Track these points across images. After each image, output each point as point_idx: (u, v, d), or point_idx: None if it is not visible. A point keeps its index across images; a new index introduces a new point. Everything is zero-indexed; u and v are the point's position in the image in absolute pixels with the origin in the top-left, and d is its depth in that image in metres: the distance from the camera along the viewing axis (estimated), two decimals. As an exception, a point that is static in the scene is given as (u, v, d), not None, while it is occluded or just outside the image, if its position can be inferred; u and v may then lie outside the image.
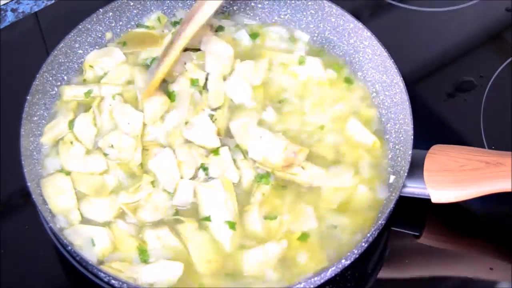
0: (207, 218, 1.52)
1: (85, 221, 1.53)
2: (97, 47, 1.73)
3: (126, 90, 1.67)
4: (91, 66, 1.70)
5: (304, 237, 1.52)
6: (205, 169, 1.58)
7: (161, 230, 1.51)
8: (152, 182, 1.56)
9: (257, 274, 1.48)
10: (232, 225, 1.51)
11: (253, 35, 1.78)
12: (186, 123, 1.62)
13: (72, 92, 1.66)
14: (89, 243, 1.49)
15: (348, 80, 1.73)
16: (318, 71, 1.72)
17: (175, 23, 1.77)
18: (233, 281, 1.48)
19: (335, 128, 1.66)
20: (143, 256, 1.49)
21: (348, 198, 1.57)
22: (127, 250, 1.50)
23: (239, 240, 1.52)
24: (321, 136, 1.65)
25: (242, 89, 1.68)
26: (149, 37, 1.75)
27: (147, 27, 1.77)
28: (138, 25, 1.78)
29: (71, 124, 1.62)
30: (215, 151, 1.60)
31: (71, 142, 1.60)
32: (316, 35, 1.78)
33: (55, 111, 1.66)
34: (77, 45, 1.70)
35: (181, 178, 1.57)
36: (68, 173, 1.57)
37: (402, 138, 1.61)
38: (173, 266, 1.47)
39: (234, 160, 1.59)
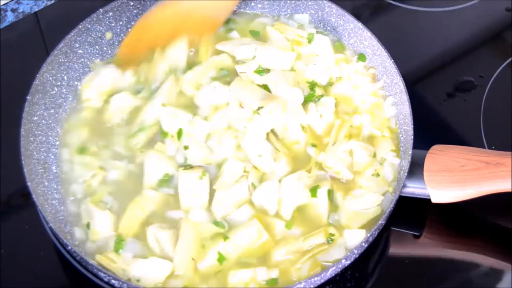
0: (225, 237, 1.49)
1: None
2: (97, 46, 1.73)
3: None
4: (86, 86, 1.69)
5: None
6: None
7: (164, 232, 1.49)
8: None
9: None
10: (221, 259, 1.48)
11: (254, 33, 1.78)
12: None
13: (89, 95, 1.66)
14: (92, 222, 1.51)
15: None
16: (327, 49, 1.72)
17: None
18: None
19: None
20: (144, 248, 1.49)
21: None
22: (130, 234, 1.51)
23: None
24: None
25: None
26: None
27: None
28: None
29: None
30: (313, 190, 1.55)
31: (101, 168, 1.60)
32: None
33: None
34: (77, 45, 1.70)
35: (277, 214, 1.54)
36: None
37: (402, 138, 1.61)
38: (162, 264, 1.46)
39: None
